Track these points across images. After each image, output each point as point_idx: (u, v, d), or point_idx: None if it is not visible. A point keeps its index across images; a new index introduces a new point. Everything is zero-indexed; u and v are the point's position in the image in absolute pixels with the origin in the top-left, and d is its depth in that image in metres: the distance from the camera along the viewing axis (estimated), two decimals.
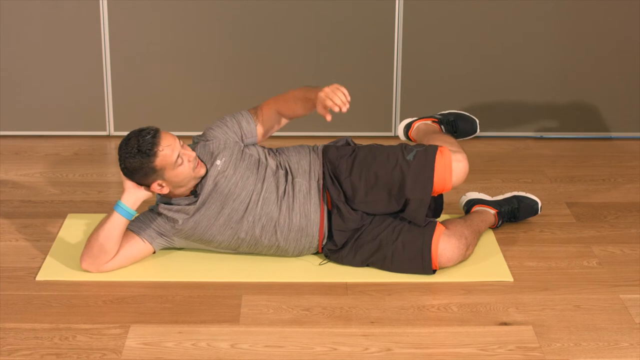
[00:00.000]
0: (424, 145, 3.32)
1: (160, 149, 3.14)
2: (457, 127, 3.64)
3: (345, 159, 3.33)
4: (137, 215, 3.35)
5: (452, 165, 3.24)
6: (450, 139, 3.44)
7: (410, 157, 3.26)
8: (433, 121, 3.64)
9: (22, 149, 4.38)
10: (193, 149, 3.30)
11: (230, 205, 3.26)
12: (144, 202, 3.36)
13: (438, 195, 3.37)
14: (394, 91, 4.47)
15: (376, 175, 3.28)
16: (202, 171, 3.24)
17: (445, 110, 3.73)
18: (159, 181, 3.19)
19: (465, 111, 3.61)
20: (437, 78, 4.47)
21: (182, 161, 3.17)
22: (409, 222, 3.28)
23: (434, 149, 3.27)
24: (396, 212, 3.31)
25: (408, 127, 3.67)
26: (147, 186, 3.22)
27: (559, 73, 4.48)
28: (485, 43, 4.44)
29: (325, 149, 3.38)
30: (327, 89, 3.18)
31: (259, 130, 3.37)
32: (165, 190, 3.22)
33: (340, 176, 3.31)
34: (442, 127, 3.64)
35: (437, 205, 3.41)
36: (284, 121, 3.42)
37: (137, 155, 3.14)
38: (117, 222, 3.21)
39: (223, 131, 3.33)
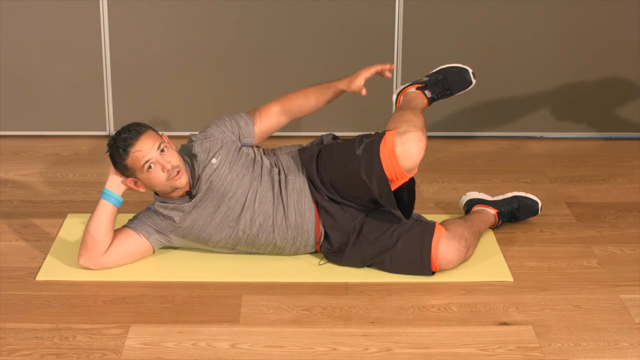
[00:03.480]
0: (374, 134, 3.24)
1: (132, 150, 3.16)
2: (448, 83, 3.51)
3: (313, 160, 3.32)
4: (135, 215, 3.35)
5: (396, 151, 3.16)
6: (408, 116, 3.28)
7: (359, 151, 3.22)
8: (417, 87, 3.51)
9: (22, 149, 4.38)
10: (190, 147, 3.31)
11: (227, 203, 3.26)
12: (142, 201, 3.36)
13: (410, 192, 3.30)
14: (394, 91, 4.46)
15: (337, 176, 3.27)
16: (181, 182, 3.22)
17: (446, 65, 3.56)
18: (134, 179, 3.22)
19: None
20: None
21: (153, 168, 3.18)
22: (408, 225, 3.27)
23: (379, 138, 3.19)
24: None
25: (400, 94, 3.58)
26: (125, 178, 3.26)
27: (559, 73, 4.48)
28: (485, 43, 4.44)
29: (300, 152, 3.38)
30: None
31: (257, 131, 3.39)
32: (141, 189, 3.25)
33: (313, 178, 3.31)
34: (427, 91, 3.48)
35: (409, 204, 3.32)
36: (284, 121, 3.43)
37: (113, 148, 3.20)
38: (105, 209, 3.22)
39: (221, 130, 3.34)
